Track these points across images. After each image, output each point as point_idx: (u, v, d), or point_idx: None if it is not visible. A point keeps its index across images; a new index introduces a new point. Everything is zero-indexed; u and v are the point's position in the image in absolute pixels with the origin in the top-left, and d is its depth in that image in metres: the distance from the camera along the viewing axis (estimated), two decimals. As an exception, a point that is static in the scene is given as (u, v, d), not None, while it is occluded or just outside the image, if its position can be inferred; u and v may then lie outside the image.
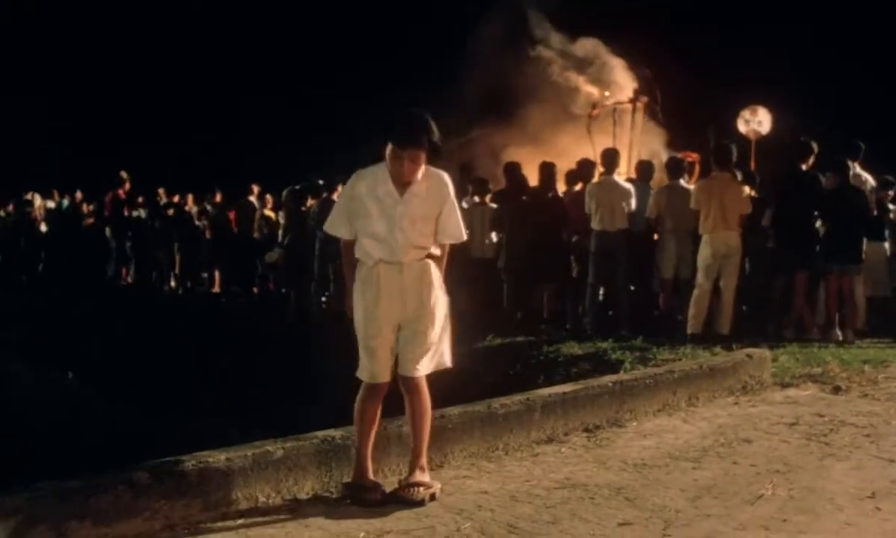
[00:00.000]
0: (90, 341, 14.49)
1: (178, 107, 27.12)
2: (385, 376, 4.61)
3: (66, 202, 19.74)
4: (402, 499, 4.52)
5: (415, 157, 4.43)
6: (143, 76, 28.20)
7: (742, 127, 11.24)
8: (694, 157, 11.39)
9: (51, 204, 19.62)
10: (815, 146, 10.10)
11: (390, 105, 5.35)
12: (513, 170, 11.93)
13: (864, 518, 4.41)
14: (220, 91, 27.29)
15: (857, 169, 10.44)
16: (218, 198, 17.03)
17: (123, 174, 17.88)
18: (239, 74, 27.28)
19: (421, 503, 4.49)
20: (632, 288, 11.05)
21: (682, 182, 10.53)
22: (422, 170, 4.51)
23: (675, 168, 10.82)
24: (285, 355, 11.65)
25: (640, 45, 17.94)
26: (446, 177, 4.64)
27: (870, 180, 10.67)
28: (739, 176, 10.21)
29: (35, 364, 14.59)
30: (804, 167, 10.04)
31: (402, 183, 4.48)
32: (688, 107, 17.27)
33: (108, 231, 18.18)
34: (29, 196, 19.06)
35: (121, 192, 17.73)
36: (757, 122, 11.24)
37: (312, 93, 25.89)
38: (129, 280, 18.18)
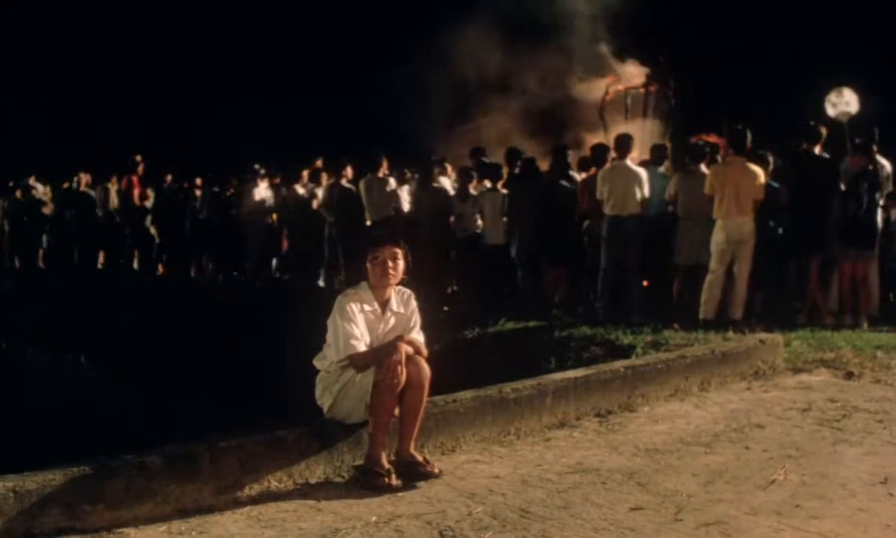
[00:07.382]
0: (103, 326, 14.54)
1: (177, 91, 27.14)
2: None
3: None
4: (424, 473, 4.65)
5: (393, 254, 4.78)
6: (146, 62, 28.15)
7: (831, 111, 11.00)
8: (718, 140, 11.31)
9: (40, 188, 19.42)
10: (823, 130, 10.07)
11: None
12: (527, 155, 11.98)
13: (876, 503, 4.39)
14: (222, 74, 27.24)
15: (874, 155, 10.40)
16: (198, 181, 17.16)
17: (137, 157, 17.74)
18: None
19: (440, 474, 4.66)
20: (644, 273, 11.01)
21: (702, 167, 10.47)
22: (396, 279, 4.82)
23: (695, 153, 10.76)
24: (298, 339, 11.64)
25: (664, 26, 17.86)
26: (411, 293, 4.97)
27: (887, 167, 10.61)
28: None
29: (48, 348, 14.64)
30: (816, 151, 10.03)
31: (382, 300, 4.81)
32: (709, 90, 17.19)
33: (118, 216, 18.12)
34: (31, 181, 18.91)
35: (134, 177, 17.64)
36: (844, 103, 11.02)
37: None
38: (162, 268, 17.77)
